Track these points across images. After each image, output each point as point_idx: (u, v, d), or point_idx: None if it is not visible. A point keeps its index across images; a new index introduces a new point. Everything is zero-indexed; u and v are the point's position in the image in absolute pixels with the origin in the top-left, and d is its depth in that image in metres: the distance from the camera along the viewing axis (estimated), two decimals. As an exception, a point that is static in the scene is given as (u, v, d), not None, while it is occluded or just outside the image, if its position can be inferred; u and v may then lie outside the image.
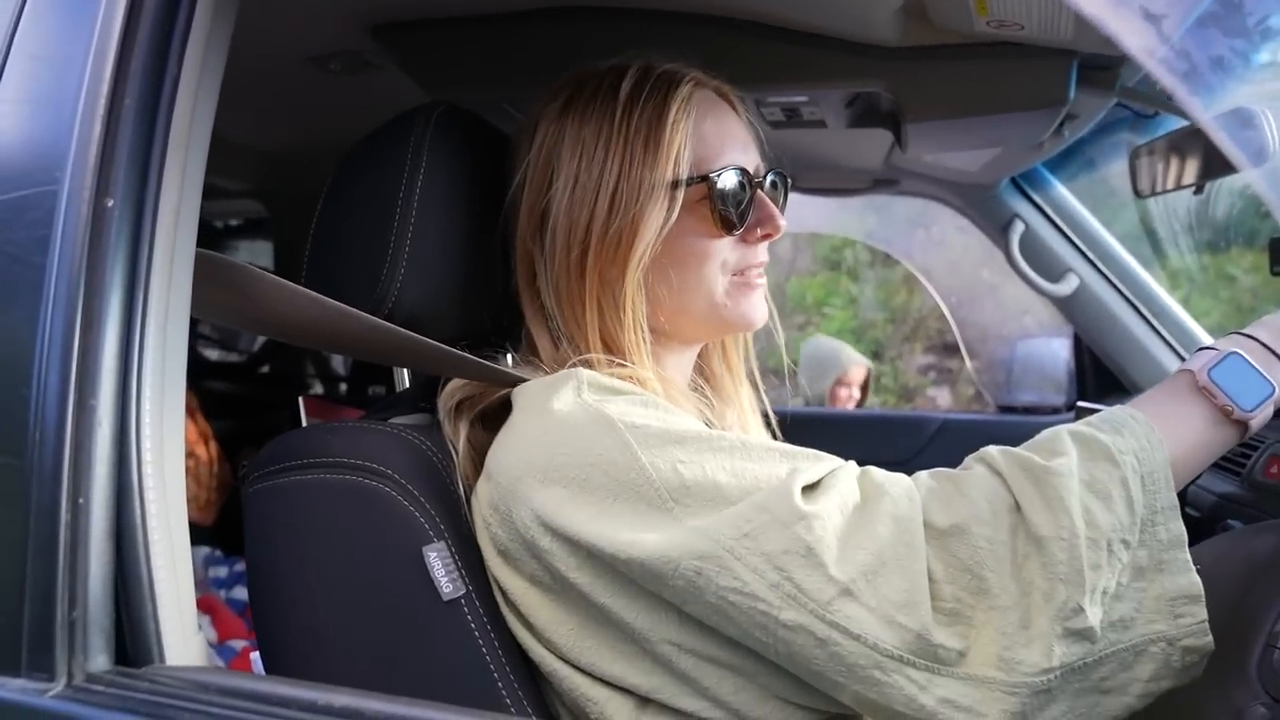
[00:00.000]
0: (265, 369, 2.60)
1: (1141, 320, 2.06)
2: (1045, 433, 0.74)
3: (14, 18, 0.69)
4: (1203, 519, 1.42)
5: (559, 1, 1.22)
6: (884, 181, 2.10)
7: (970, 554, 0.68)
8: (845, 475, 0.74)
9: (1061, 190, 2.07)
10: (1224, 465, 1.42)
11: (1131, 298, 2.05)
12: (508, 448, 0.80)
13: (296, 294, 0.77)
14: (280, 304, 0.77)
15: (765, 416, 1.11)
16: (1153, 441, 0.71)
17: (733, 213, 0.89)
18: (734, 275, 0.92)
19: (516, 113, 1.49)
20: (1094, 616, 0.66)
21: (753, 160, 0.93)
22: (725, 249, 0.91)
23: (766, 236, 0.92)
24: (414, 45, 1.31)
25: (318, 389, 2.50)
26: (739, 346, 1.07)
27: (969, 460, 0.76)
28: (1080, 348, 2.26)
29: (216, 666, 0.65)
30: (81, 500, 0.57)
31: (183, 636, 0.61)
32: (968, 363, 2.85)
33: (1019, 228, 2.03)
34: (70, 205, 0.62)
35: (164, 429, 0.63)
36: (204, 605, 1.80)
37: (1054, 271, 2.04)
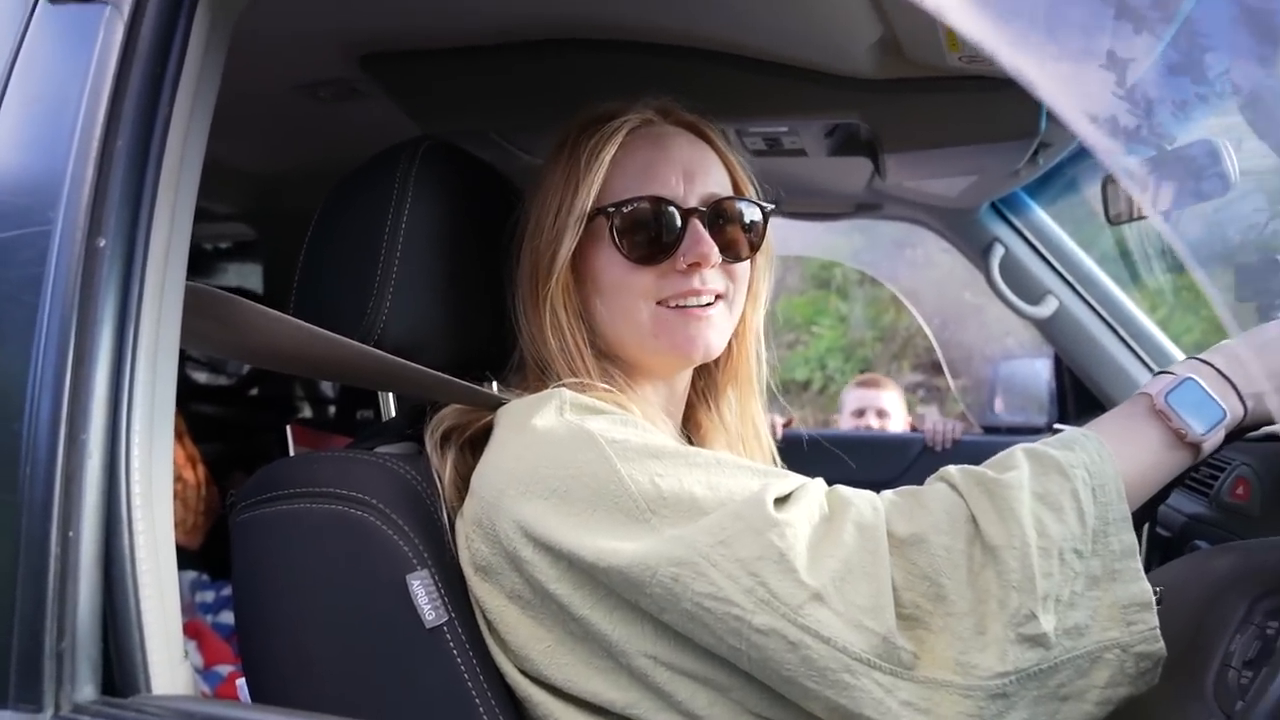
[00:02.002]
0: (254, 392, 2.60)
1: (1119, 341, 2.09)
2: (1002, 452, 0.77)
3: (9, 61, 0.71)
4: (1173, 539, 1.44)
5: (544, 34, 1.24)
6: (867, 206, 2.13)
7: (929, 562, 0.71)
8: (814, 489, 0.77)
9: (1040, 214, 2.10)
10: (1193, 486, 1.45)
11: (1109, 319, 2.09)
12: (491, 464, 0.83)
13: (285, 323, 0.79)
14: (270, 333, 0.79)
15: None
16: (1103, 456, 0.74)
17: (641, 243, 0.92)
18: (659, 304, 0.93)
19: (503, 142, 1.51)
20: (1047, 623, 0.68)
21: (701, 190, 0.95)
22: (644, 279, 0.93)
23: (694, 266, 0.92)
24: (401, 75, 1.34)
25: (306, 412, 2.51)
26: (731, 405, 1.08)
27: (930, 479, 0.78)
28: (1061, 368, 2.29)
29: (202, 696, 0.67)
30: (71, 533, 0.59)
31: (169, 666, 0.62)
32: (951, 384, 2.88)
33: (999, 251, 2.06)
34: (63, 245, 0.63)
35: (153, 462, 0.64)
36: (190, 630, 1.80)
37: (1033, 294, 2.08)
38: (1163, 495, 0.83)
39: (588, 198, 0.92)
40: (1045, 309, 2.08)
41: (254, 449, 2.21)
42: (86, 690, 0.58)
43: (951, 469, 0.77)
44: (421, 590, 0.76)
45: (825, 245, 3.30)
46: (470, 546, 0.82)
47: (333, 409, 2.42)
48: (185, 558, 1.92)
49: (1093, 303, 2.09)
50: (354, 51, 1.30)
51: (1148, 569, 0.74)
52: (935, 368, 6.69)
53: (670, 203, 0.93)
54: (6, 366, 0.63)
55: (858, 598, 0.69)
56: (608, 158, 0.93)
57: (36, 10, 0.71)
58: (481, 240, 0.99)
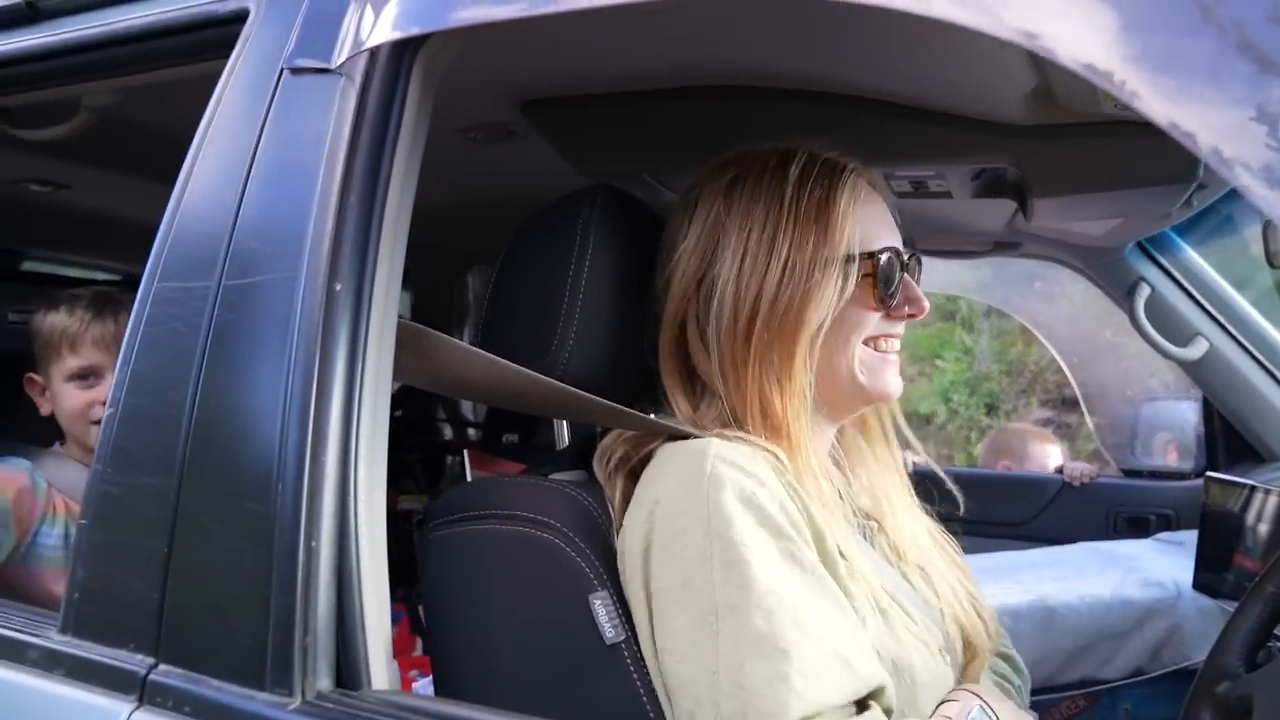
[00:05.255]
0: (398, 414, 2.74)
1: (1278, 386, 2.00)
2: None
3: (260, 125, 0.81)
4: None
5: (697, 80, 1.30)
6: (1005, 244, 2.11)
7: None
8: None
9: (1190, 254, 2.03)
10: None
11: (1267, 363, 2.00)
12: (627, 524, 0.88)
13: (477, 356, 0.86)
14: (462, 365, 0.86)
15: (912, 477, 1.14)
16: None
17: (886, 290, 0.97)
18: (866, 344, 0.98)
19: (655, 183, 1.58)
20: None
21: (898, 242, 1.01)
22: (872, 321, 0.98)
23: (911, 315, 0.99)
24: (561, 120, 1.41)
25: (447, 434, 2.63)
26: (878, 418, 1.11)
27: None
28: (1210, 412, 2.20)
29: (409, 693, 0.74)
30: (314, 543, 0.67)
31: (383, 666, 0.69)
32: (1089, 422, 2.78)
33: (1144, 291, 2.01)
34: (307, 288, 0.72)
35: (372, 481, 0.72)
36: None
37: (1182, 335, 2.01)
38: None
39: (850, 242, 0.95)
40: (1194, 351, 2.01)
41: (400, 467, 2.33)
42: (324, 681, 0.66)
43: None
44: (602, 609, 0.82)
45: (948, 280, 3.24)
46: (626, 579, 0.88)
47: (472, 431, 2.52)
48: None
49: (1247, 345, 2.01)
50: (517, 97, 1.39)
51: None
52: (1065, 404, 6.43)
53: (899, 253, 0.99)
54: (263, 395, 0.72)
55: None
56: (855, 205, 0.97)
57: (281, 80, 0.81)
58: (644, 282, 1.05)
